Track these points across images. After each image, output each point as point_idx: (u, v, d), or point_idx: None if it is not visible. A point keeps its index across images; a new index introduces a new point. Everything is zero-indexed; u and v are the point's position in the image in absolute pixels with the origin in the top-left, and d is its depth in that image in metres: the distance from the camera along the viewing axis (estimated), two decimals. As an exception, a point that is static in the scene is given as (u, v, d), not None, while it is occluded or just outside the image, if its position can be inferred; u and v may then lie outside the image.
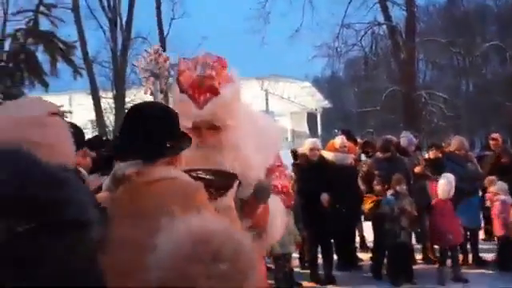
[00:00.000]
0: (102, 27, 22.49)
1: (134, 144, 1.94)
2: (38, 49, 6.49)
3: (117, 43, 22.01)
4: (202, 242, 1.12)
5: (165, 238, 1.15)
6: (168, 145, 1.96)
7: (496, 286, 6.33)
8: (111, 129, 21.05)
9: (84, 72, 20.83)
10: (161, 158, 1.96)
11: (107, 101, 22.34)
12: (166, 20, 23.51)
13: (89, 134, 21.22)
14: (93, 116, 22.13)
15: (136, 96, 23.31)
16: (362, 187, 7.02)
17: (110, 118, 22.05)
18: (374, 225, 7.04)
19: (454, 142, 7.71)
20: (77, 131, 3.84)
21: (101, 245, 1.03)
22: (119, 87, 21.76)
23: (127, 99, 22.49)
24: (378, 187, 6.79)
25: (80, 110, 25.70)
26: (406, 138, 7.87)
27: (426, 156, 8.22)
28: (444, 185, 6.68)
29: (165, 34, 23.29)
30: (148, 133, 1.94)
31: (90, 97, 21.58)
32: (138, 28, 23.68)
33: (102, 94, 22.09)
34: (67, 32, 20.85)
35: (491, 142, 8.18)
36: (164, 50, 23.35)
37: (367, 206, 6.96)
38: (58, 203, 0.88)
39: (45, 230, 0.85)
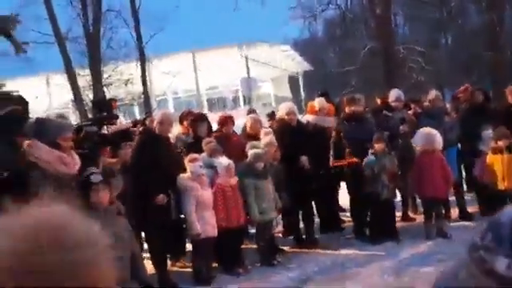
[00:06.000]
0: (71, 2, 21.86)
1: None
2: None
3: (88, 19, 21.44)
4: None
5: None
6: None
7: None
8: (91, 106, 20.69)
9: (57, 50, 20.41)
10: None
11: (85, 78, 21.93)
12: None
13: (70, 114, 20.98)
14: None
15: (114, 71, 23.00)
16: (331, 153, 7.01)
17: (89, 96, 21.66)
18: (351, 187, 7.04)
19: (429, 96, 7.69)
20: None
21: None
22: (95, 63, 21.30)
23: (105, 75, 22.07)
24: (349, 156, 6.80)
25: (58, 90, 25.27)
26: (393, 94, 7.82)
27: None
28: (418, 139, 6.71)
29: (137, 5, 22.68)
30: None
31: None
32: (110, 1, 23.06)
33: (79, 72, 21.65)
34: (36, 10, 20.35)
35: (460, 96, 8.15)
36: (138, 23, 22.98)
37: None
38: None
39: None
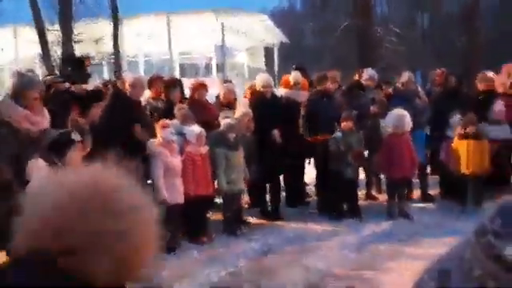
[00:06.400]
0: (44, -47, 20.95)
1: None
2: None
3: (61, -29, 20.64)
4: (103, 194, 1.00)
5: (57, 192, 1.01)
6: None
7: (436, 219, 6.60)
8: (59, 63, 20.09)
9: (26, 2, 19.62)
10: None
11: (54, 33, 21.23)
12: None
13: (37, 69, 20.33)
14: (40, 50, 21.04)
15: (85, 28, 22.29)
16: (302, 128, 7.06)
17: (57, 52, 21.01)
18: (317, 162, 7.12)
19: (402, 78, 7.76)
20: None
21: None
22: (65, 19, 20.62)
23: (75, 32, 21.42)
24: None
25: (26, 43, 24.41)
26: (366, 73, 7.86)
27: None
28: (390, 120, 6.79)
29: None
30: None
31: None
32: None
33: (49, 26, 20.92)
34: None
35: (436, 79, 8.25)
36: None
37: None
38: None
39: None
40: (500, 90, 7.68)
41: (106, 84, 8.82)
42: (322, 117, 6.83)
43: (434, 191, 7.69)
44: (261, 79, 7.32)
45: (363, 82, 7.75)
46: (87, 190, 0.99)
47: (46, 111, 4.24)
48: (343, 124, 6.66)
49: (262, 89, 7.08)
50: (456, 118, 7.07)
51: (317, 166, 7.19)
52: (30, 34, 21.79)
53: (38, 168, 3.69)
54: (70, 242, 0.94)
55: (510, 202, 0.88)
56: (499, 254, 0.84)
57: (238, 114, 6.60)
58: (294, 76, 7.48)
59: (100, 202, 0.98)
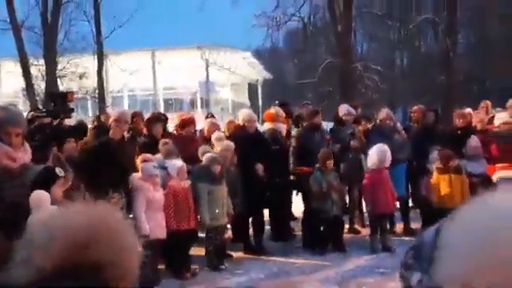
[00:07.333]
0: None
1: None
2: None
3: (47, 8, 20.85)
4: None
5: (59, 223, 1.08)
6: None
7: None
8: (42, 97, 20.05)
9: (10, 37, 19.74)
10: None
11: (39, 68, 21.27)
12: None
13: (20, 104, 20.25)
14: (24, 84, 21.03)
15: (69, 64, 22.38)
16: (292, 161, 7.13)
17: (41, 87, 20.99)
18: (305, 198, 7.16)
19: (381, 114, 7.91)
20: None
21: None
22: (50, 53, 20.71)
23: (59, 66, 21.50)
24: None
25: (9, 77, 24.37)
26: (344, 108, 7.99)
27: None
28: (374, 155, 6.86)
29: (98, -2, 22.27)
30: None
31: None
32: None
33: (33, 61, 20.98)
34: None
35: (413, 115, 8.41)
36: (98, 16, 22.52)
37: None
38: None
39: None
40: (478, 126, 7.83)
41: (95, 119, 8.86)
42: (315, 150, 6.89)
43: (415, 225, 7.73)
44: (244, 114, 7.41)
45: (342, 117, 7.88)
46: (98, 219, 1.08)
47: (27, 145, 4.22)
48: (327, 162, 6.71)
49: (245, 124, 7.15)
50: (435, 153, 7.19)
51: (304, 201, 7.21)
52: (13, 67, 21.80)
53: (39, 200, 3.72)
54: (99, 258, 1.02)
55: (423, 236, 0.95)
56: (409, 285, 0.89)
57: (221, 148, 6.62)
58: (275, 108, 7.66)
59: (108, 238, 1.06)
